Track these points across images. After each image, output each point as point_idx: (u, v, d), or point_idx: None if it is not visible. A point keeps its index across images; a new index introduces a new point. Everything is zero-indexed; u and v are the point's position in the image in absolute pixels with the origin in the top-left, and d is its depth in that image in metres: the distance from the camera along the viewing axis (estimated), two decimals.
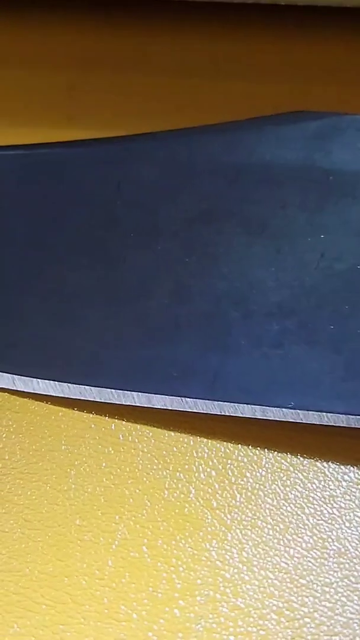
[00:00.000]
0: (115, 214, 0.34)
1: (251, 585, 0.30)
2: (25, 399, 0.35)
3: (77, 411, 0.34)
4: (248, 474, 0.33)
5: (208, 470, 0.33)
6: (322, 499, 0.32)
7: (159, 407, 0.32)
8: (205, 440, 0.33)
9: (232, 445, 0.33)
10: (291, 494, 0.32)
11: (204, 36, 0.49)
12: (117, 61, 0.47)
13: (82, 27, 0.48)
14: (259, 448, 0.33)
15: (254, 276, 0.32)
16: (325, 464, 0.33)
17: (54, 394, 0.33)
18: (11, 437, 0.34)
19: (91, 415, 0.34)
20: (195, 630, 0.29)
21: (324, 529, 0.31)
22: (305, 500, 0.32)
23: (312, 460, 0.33)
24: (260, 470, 0.33)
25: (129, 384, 0.32)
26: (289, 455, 0.33)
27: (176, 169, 0.34)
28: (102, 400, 0.33)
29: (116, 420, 0.34)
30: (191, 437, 0.33)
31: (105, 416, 0.34)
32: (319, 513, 0.32)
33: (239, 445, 0.33)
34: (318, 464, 0.33)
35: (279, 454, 0.33)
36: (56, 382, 0.33)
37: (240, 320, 0.32)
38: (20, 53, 0.47)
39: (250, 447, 0.33)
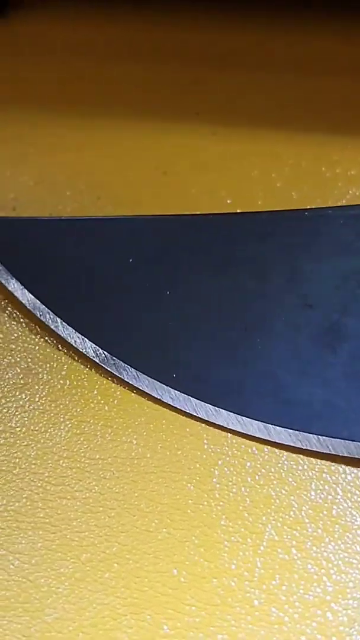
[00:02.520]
0: None
1: None
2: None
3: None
4: None
5: (355, 471, 0.32)
6: None
7: None
8: None
9: None
10: None
11: (320, 33, 0.48)
12: (241, 58, 0.47)
13: (207, 22, 0.48)
14: None
15: None
16: None
17: (298, 446, 0.33)
18: (152, 435, 0.34)
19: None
20: (349, 634, 0.29)
21: None
22: None
23: None
24: None
25: None
26: None
27: None
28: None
29: None
30: None
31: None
32: None
33: None
34: None
35: None
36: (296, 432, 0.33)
37: None
38: (146, 48, 0.47)
39: None
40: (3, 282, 0.37)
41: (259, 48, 0.47)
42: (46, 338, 0.36)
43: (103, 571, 0.30)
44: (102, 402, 0.35)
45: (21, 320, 0.37)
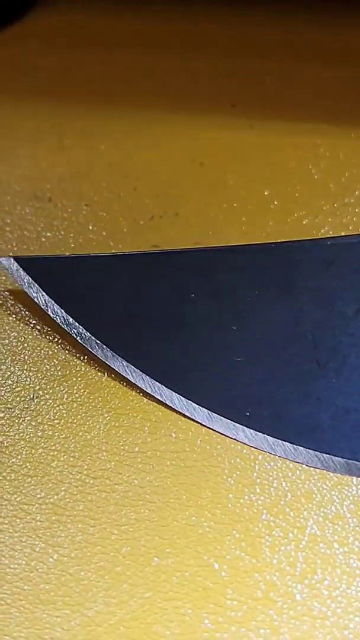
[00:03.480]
0: None
1: None
2: None
3: None
4: None
5: None
6: None
7: None
8: None
9: None
10: None
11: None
12: (277, 50, 0.47)
13: (243, 14, 0.48)
14: None
15: None
16: None
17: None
18: (191, 428, 0.34)
19: None
20: None
21: None
22: None
23: None
24: None
25: None
26: None
27: None
28: None
29: None
30: None
31: None
32: None
33: None
34: None
35: None
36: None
37: None
38: (182, 39, 0.47)
39: None
40: (63, 326, 0.35)
41: (296, 40, 0.47)
42: None
43: (143, 565, 0.30)
44: (141, 394, 0.34)
45: None
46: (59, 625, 0.29)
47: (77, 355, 0.36)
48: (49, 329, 0.36)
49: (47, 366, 0.35)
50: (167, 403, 0.34)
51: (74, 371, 0.35)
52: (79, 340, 0.35)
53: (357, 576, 0.29)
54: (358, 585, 0.29)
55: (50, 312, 0.35)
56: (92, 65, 0.47)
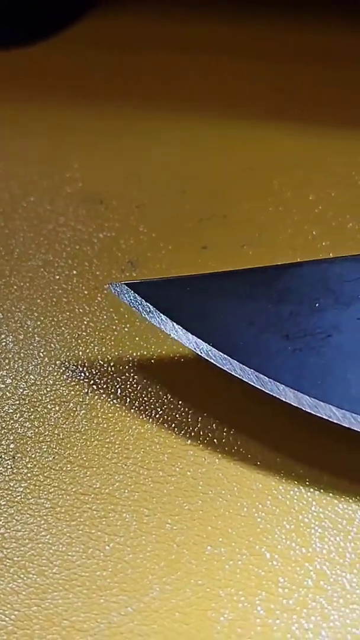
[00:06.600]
0: None
1: None
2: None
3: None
4: None
5: None
6: None
7: None
8: None
9: None
10: None
11: None
12: (325, 55, 0.48)
13: (293, 21, 0.49)
14: None
15: None
16: None
17: None
18: (244, 421, 0.34)
19: None
20: None
21: None
22: None
23: None
24: None
25: None
26: None
27: None
28: None
29: None
30: None
31: None
32: None
33: None
34: None
35: None
36: None
37: None
38: (230, 44, 0.48)
39: None
40: (195, 350, 0.34)
41: (341, 46, 0.48)
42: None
43: (197, 553, 0.31)
44: (194, 390, 0.35)
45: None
46: (116, 610, 0.30)
47: (129, 351, 0.37)
48: (103, 325, 0.37)
49: (101, 361, 0.36)
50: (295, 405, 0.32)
51: (127, 367, 0.36)
52: (215, 363, 0.34)
53: None
54: None
55: (181, 338, 0.34)
56: (144, 68, 0.48)
